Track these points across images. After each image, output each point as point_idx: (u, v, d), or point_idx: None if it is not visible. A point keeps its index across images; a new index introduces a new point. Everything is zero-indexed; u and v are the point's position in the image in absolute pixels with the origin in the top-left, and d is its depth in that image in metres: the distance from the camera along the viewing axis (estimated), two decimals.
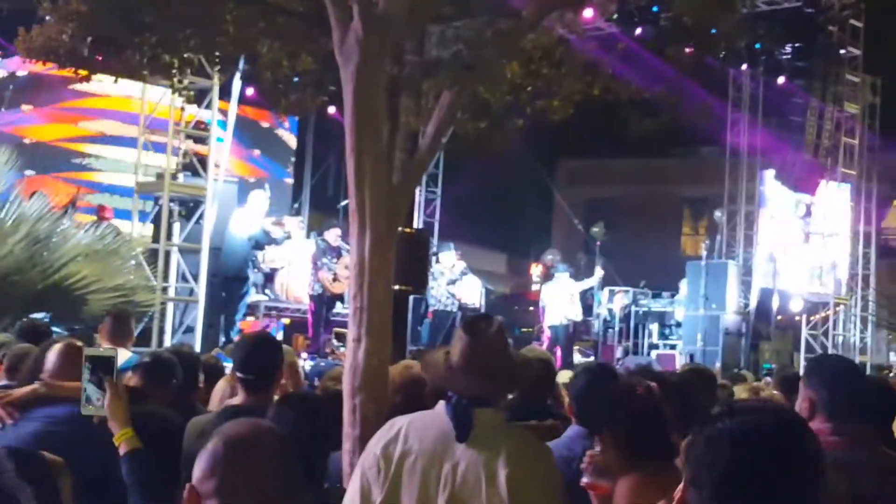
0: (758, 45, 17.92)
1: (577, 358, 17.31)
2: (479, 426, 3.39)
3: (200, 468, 2.37)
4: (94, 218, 13.73)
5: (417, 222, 19.00)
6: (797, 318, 19.94)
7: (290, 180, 22.11)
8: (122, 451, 3.43)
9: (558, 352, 16.50)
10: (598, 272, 18.98)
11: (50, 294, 9.29)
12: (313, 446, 3.92)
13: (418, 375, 5.32)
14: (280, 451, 2.45)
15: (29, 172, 15.48)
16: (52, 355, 4.30)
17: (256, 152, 21.04)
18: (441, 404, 3.50)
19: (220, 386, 5.82)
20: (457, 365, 3.50)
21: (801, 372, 4.24)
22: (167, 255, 13.10)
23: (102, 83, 17.73)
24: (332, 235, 15.19)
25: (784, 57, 19.21)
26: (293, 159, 22.43)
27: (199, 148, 14.30)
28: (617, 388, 3.89)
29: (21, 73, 17.62)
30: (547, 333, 17.78)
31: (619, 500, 3.46)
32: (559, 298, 17.73)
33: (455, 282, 16.68)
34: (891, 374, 10.76)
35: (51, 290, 9.29)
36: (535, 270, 23.26)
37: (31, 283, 9.22)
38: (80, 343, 4.55)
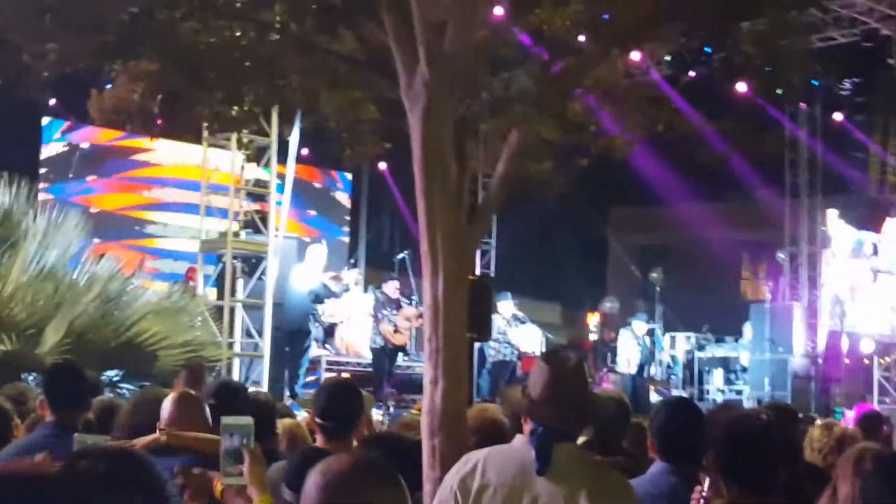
0: (815, 82, 17.74)
1: (655, 397, 17.02)
2: (560, 459, 3.34)
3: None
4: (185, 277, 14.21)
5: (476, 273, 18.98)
6: (867, 360, 19.52)
7: (345, 238, 22.26)
8: None
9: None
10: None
11: (123, 351, 9.43)
12: None
13: (494, 417, 5.34)
14: (375, 479, 2.40)
15: (96, 240, 15.81)
16: (167, 404, 4.32)
17: (311, 212, 21.23)
18: (519, 437, 3.48)
19: (287, 424, 5.81)
20: (538, 395, 3.46)
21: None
22: (232, 311, 13.33)
23: (163, 152, 18.55)
24: (391, 288, 15.28)
25: (843, 92, 18.96)
26: (348, 217, 22.61)
27: (260, 206, 14.52)
28: (739, 420, 3.82)
29: (84, 145, 18.33)
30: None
31: None
32: (631, 346, 17.61)
33: (514, 329, 16.62)
34: None
35: (124, 347, 9.43)
36: (592, 319, 23.04)
37: (105, 341, 9.38)
38: (193, 392, 4.61)
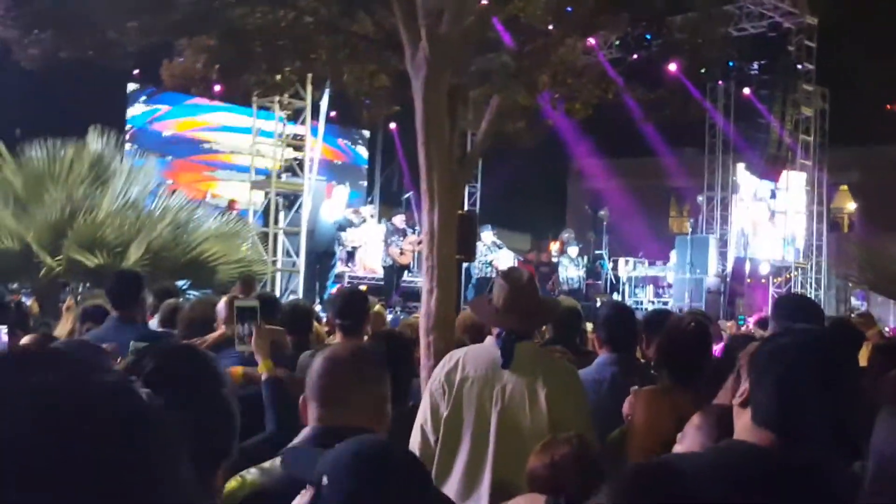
0: (731, 63, 17.60)
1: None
2: (520, 355, 3.34)
3: (307, 381, 2.34)
4: (227, 207, 14.10)
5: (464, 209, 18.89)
6: (764, 279, 19.63)
7: (363, 183, 22.22)
8: (263, 377, 3.41)
9: None
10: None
11: (190, 266, 9.36)
12: (399, 372, 3.89)
13: (476, 321, 5.29)
14: (365, 364, 2.37)
15: (169, 182, 15.77)
16: (221, 305, 4.26)
17: (342, 141, 21.07)
18: (489, 338, 3.45)
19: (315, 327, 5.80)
20: (500, 306, 3.43)
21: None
22: (275, 236, 13.29)
23: (222, 143, 18.59)
24: (398, 220, 15.21)
25: (752, 72, 18.84)
26: (365, 180, 22.59)
27: (297, 154, 14.40)
28: (676, 324, 3.75)
29: (166, 133, 18.91)
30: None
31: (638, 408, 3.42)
32: (570, 268, 17.76)
33: (493, 253, 16.60)
34: (853, 315, 10.46)
35: (191, 262, 9.36)
36: (554, 246, 22.99)
37: (175, 259, 9.29)
38: (240, 296, 4.56)
